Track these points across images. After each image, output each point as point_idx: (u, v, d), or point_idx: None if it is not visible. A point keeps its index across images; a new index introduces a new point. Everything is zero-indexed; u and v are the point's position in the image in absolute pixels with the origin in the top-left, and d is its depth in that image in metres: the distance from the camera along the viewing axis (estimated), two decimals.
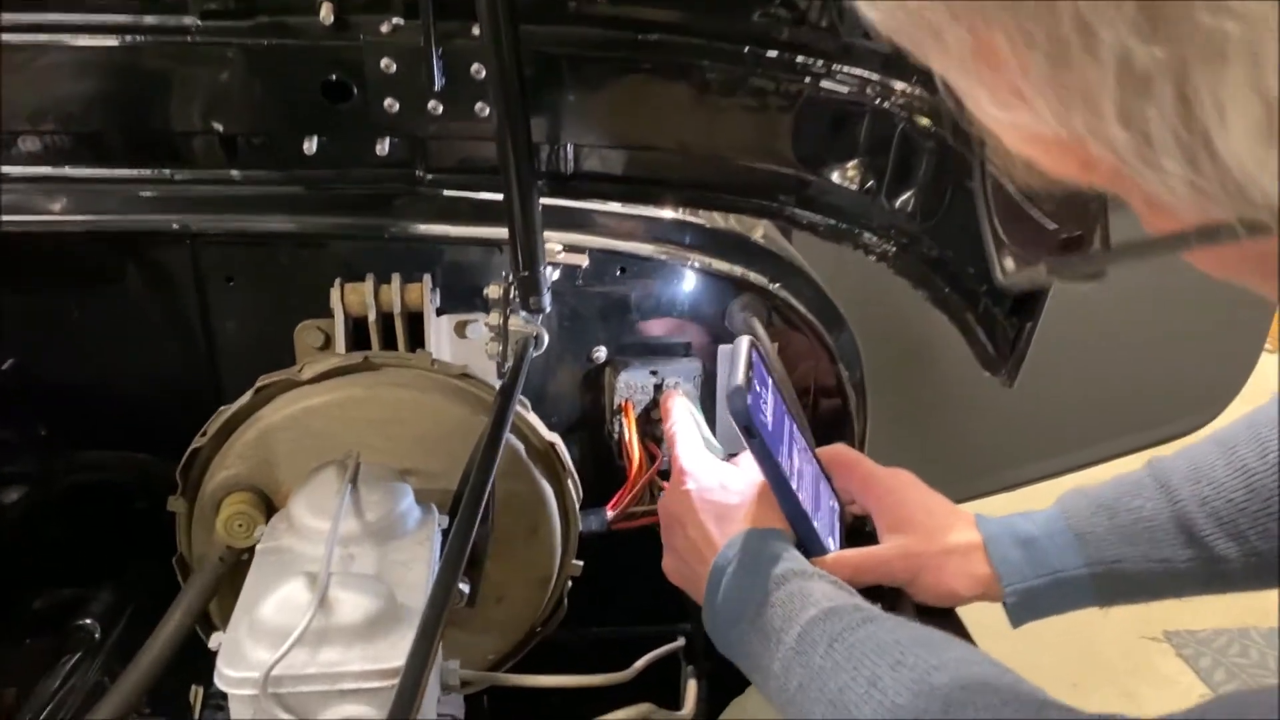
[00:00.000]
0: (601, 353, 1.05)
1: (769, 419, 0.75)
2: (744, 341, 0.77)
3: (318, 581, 0.62)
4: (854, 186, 0.90)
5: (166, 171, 0.94)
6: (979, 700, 0.53)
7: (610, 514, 0.98)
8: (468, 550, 0.61)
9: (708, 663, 0.95)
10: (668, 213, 1.03)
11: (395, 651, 0.62)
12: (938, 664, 0.56)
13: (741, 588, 0.70)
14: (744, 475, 0.80)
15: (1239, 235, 0.30)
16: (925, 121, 0.83)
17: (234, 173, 0.95)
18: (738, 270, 1.04)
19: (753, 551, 0.72)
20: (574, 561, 0.92)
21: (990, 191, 0.46)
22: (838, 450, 0.85)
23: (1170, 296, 1.00)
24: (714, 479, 0.80)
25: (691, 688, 0.81)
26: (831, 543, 0.80)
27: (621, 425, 1.05)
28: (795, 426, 0.82)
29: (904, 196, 0.89)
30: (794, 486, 0.76)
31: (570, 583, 0.94)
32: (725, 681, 0.95)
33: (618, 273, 1.03)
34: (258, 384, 0.83)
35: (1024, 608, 0.75)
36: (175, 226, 0.94)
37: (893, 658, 0.58)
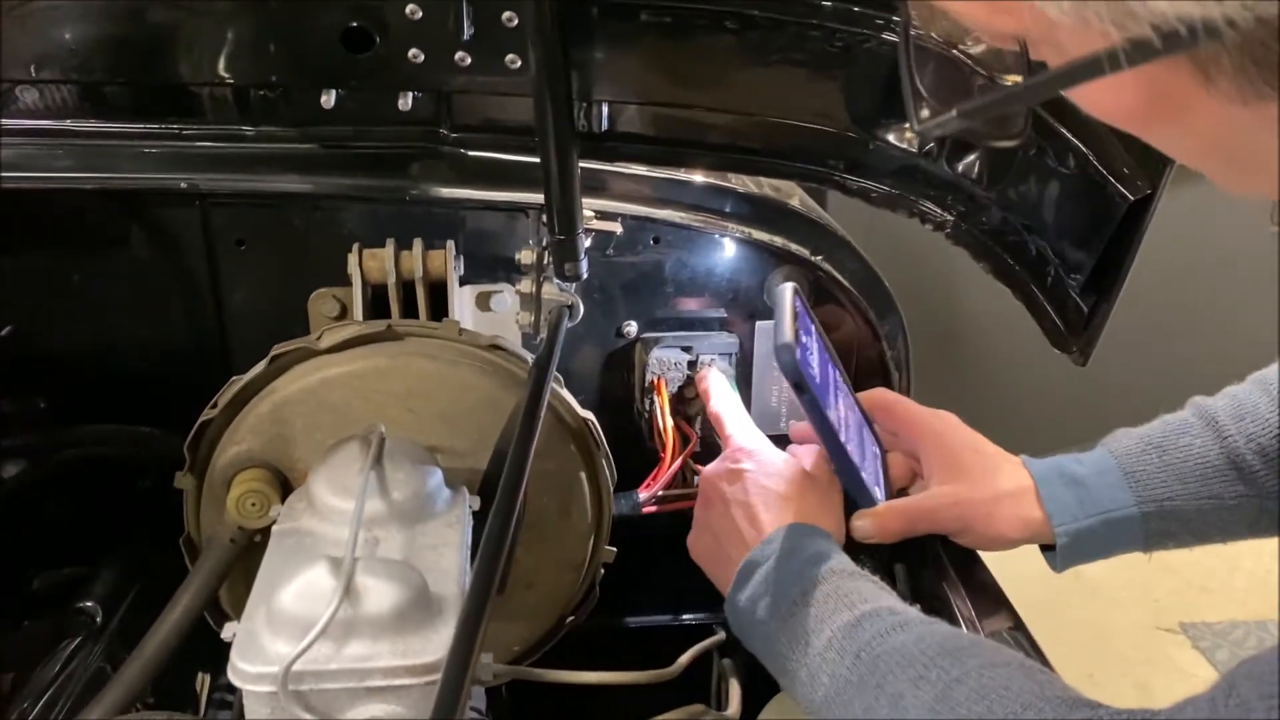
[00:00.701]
0: (632, 328, 1.00)
1: (816, 371, 0.74)
2: (787, 290, 0.76)
3: (342, 567, 0.56)
4: (912, 149, 0.84)
5: (174, 126, 0.89)
6: (998, 710, 0.51)
7: (642, 497, 0.93)
8: (510, 535, 0.55)
9: (742, 654, 0.90)
10: (705, 178, 0.98)
11: (428, 645, 0.56)
12: (959, 675, 0.54)
13: (777, 583, 0.67)
14: (797, 465, 0.78)
15: (1127, 61, 0.33)
16: None
17: (246, 128, 0.90)
18: (778, 240, 0.99)
19: (795, 547, 0.69)
20: (607, 547, 0.87)
21: (910, 43, 0.44)
22: (878, 393, 0.84)
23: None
24: (771, 464, 0.77)
25: (735, 688, 0.76)
26: (879, 492, 0.78)
27: (653, 404, 0.99)
28: (838, 373, 0.80)
29: (967, 160, 0.83)
30: (842, 439, 0.74)
31: (603, 570, 0.88)
32: (761, 673, 0.91)
33: (651, 242, 0.98)
34: (273, 353, 0.77)
35: (1073, 550, 0.74)
36: (183, 186, 0.89)
37: (915, 672, 0.55)
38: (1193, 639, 2.15)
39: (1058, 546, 0.75)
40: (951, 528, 0.77)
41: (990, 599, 0.80)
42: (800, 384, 0.70)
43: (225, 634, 0.57)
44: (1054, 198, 0.76)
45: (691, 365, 1.00)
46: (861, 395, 0.84)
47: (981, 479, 0.76)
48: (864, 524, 0.76)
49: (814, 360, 0.75)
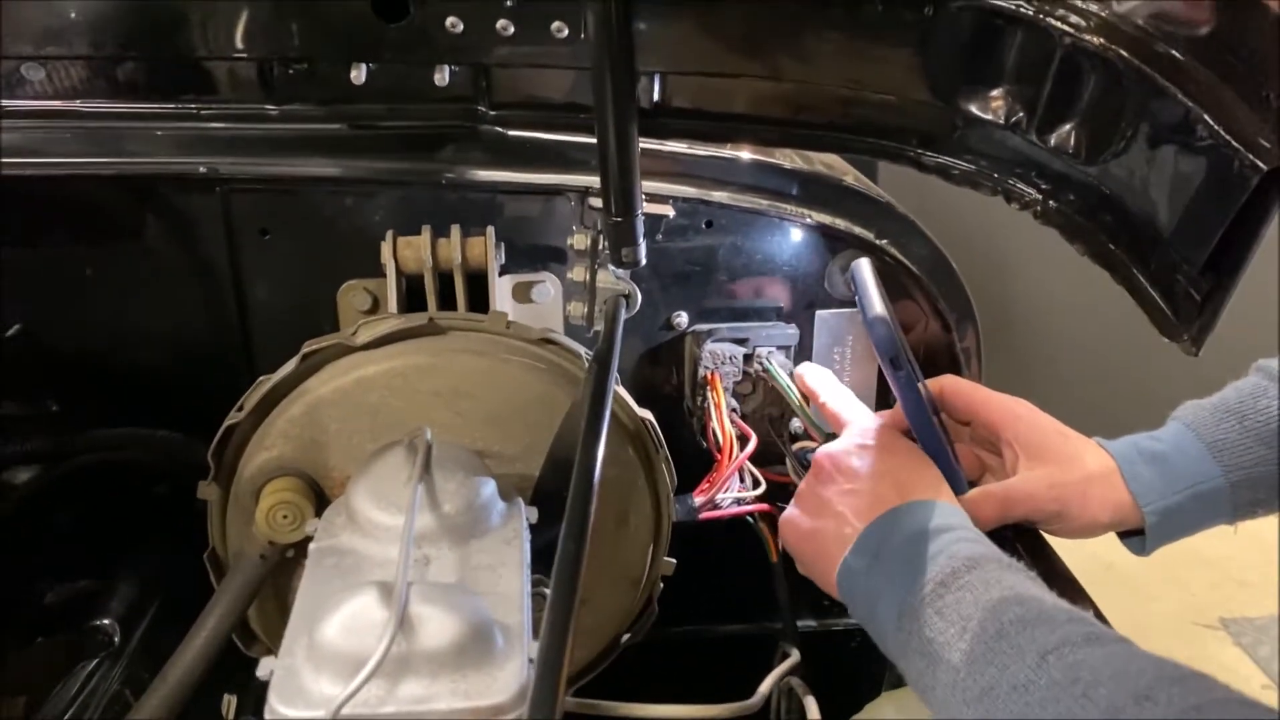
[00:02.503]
0: (682, 319, 0.94)
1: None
2: (865, 263, 0.74)
3: (394, 594, 0.49)
4: (998, 120, 0.77)
5: (192, 106, 0.83)
6: None
7: (698, 501, 0.86)
8: (584, 554, 0.48)
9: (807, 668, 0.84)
10: (761, 156, 0.91)
11: (493, 685, 0.49)
12: (1198, 704, 0.47)
13: (921, 555, 0.62)
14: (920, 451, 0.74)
15: None
16: (1097, 41, 0.69)
17: (269, 108, 0.84)
18: (840, 223, 0.92)
19: (943, 523, 0.64)
20: (666, 558, 0.80)
21: None
22: (950, 380, 0.80)
23: None
24: (904, 446, 0.73)
25: (812, 706, 0.69)
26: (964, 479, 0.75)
27: (706, 402, 0.92)
28: (910, 357, 0.77)
29: (1061, 132, 0.75)
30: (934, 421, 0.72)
31: (661, 584, 0.81)
32: (829, 692, 0.84)
33: (704, 226, 0.92)
34: (304, 350, 0.71)
35: (1162, 528, 0.72)
36: (202, 170, 0.84)
37: (1136, 689, 0.48)
38: (1234, 635, 2.09)
39: (1147, 526, 0.72)
40: (1048, 511, 0.73)
41: (1073, 592, 0.74)
42: (896, 359, 0.68)
43: (261, 671, 0.50)
44: (1168, 170, 0.68)
45: (747, 359, 0.94)
46: (930, 383, 0.79)
47: (1070, 462, 0.73)
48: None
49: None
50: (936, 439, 0.72)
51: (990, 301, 1.13)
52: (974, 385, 0.80)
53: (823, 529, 0.69)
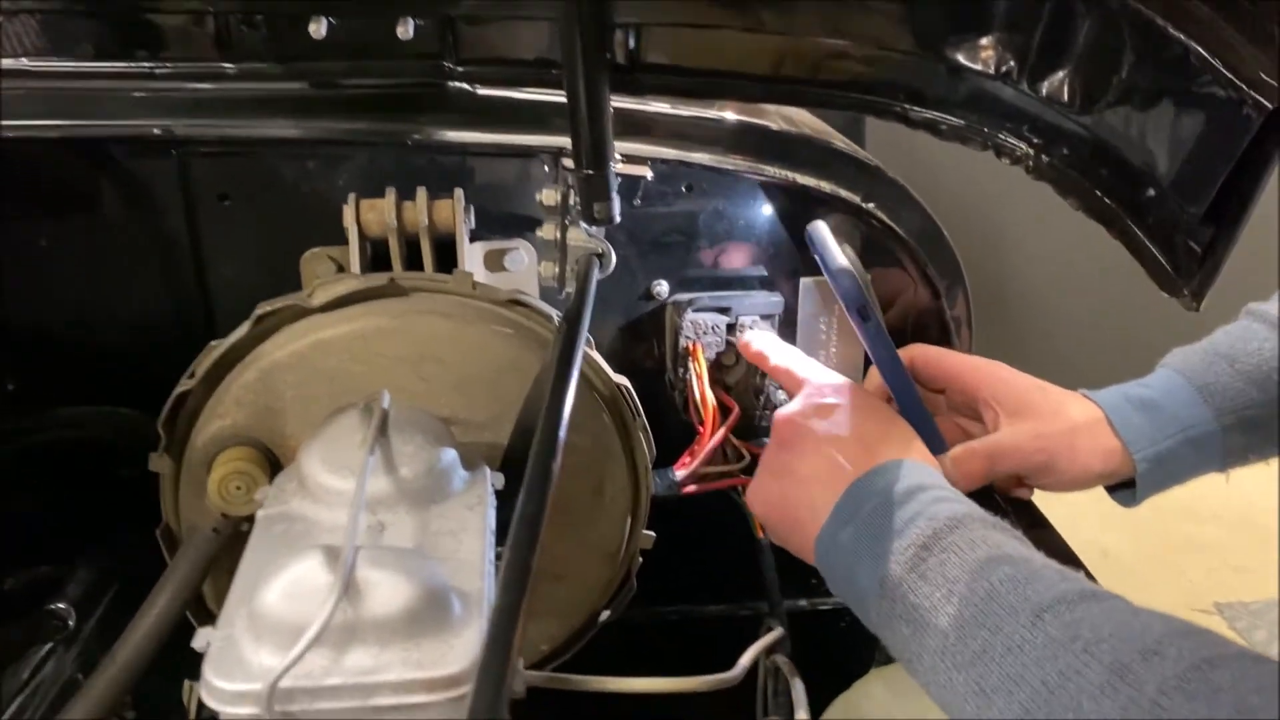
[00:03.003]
0: (662, 288, 0.91)
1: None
2: (821, 225, 0.75)
3: (341, 558, 0.45)
4: (988, 70, 0.73)
5: (145, 65, 0.78)
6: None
7: (679, 475, 0.83)
8: (545, 517, 0.45)
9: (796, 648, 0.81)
10: (743, 116, 0.88)
11: (448, 653, 0.46)
12: (1209, 657, 0.43)
13: (899, 519, 0.58)
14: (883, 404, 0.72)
15: None
16: None
17: (227, 66, 0.79)
18: (825, 185, 0.89)
19: (918, 483, 0.61)
20: (645, 531, 0.76)
21: None
22: (917, 349, 0.78)
23: None
24: (868, 398, 0.70)
25: (799, 690, 0.65)
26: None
27: (688, 373, 0.89)
28: (879, 313, 0.75)
29: (1053, 80, 0.71)
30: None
31: (639, 558, 0.77)
32: (819, 669, 0.81)
33: (683, 189, 0.88)
34: (257, 312, 0.67)
35: (1153, 476, 0.71)
36: (157, 132, 0.79)
37: (1143, 644, 0.45)
38: (1229, 619, 2.08)
39: (1138, 474, 0.70)
40: (1035, 463, 0.71)
41: (1064, 558, 0.71)
42: (864, 309, 0.67)
43: (197, 642, 0.47)
44: (1166, 117, 0.65)
45: (730, 329, 0.90)
46: (900, 353, 0.76)
47: (1054, 414, 0.71)
48: (942, 467, 0.68)
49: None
50: (912, 394, 0.70)
51: (981, 267, 1.11)
52: (943, 351, 0.77)
53: (791, 496, 0.66)
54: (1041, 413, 0.71)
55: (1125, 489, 0.73)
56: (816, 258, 0.80)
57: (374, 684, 0.45)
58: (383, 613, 0.46)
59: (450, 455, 0.59)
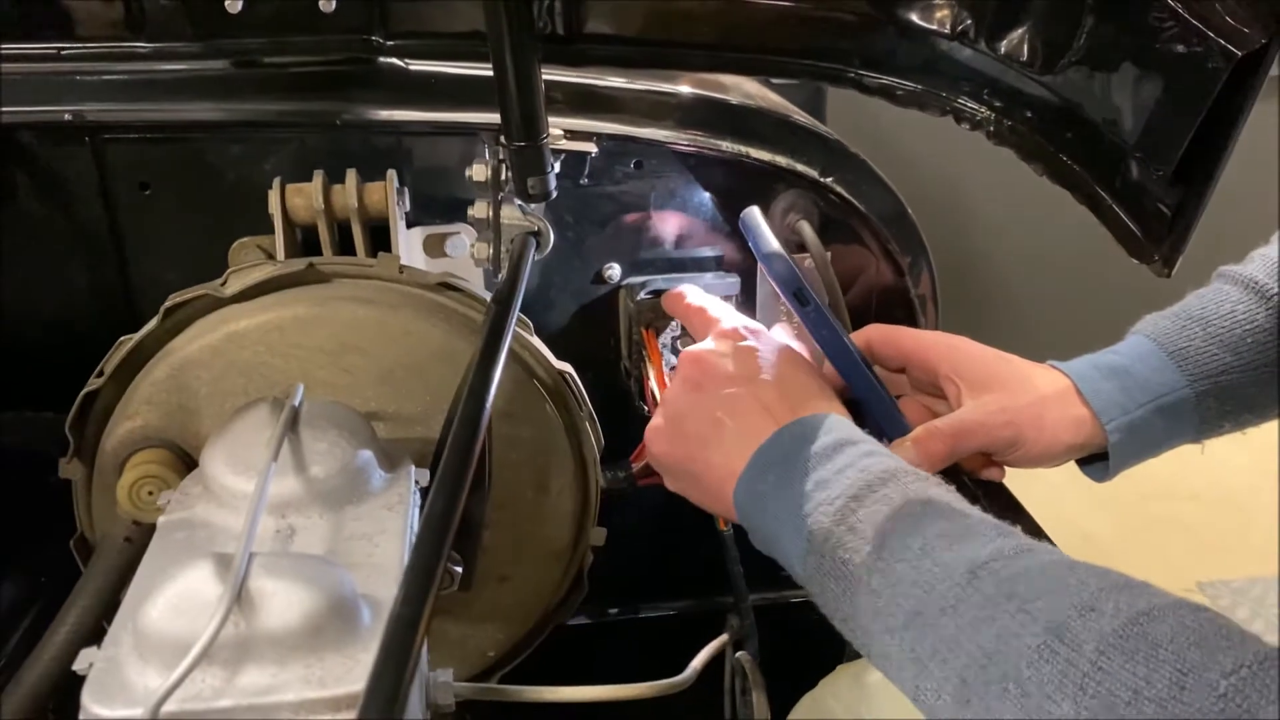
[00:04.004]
0: (614, 271, 0.87)
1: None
2: (754, 210, 0.73)
3: (232, 567, 0.41)
4: (943, 29, 0.69)
5: (53, 46, 0.75)
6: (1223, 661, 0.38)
7: (635, 468, 0.78)
8: (457, 515, 0.40)
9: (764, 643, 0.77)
10: (693, 89, 0.83)
11: (354, 669, 0.42)
12: (1146, 609, 0.41)
13: (829, 470, 0.55)
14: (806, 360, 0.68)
15: None
16: None
17: (140, 45, 0.76)
18: (781, 159, 0.85)
19: (848, 436, 0.57)
20: (595, 527, 0.72)
21: None
22: (872, 329, 0.74)
23: None
24: (785, 345, 0.67)
25: (760, 690, 0.61)
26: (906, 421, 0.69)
27: (643, 360, 0.85)
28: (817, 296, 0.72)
29: (1013, 38, 0.68)
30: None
31: (591, 556, 0.73)
32: (783, 665, 0.77)
33: (632, 167, 0.84)
34: (168, 303, 0.62)
35: (1126, 447, 0.67)
36: (68, 117, 0.75)
37: (1079, 600, 0.43)
38: (1211, 598, 2.07)
39: (1110, 445, 0.67)
40: (1002, 438, 0.67)
41: (1032, 532, 0.68)
42: (800, 292, 0.65)
43: (78, 664, 0.42)
44: (1131, 72, 0.61)
45: None
46: (855, 336, 0.73)
47: (1019, 385, 0.67)
48: (903, 451, 0.64)
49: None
50: (866, 377, 0.67)
51: (948, 243, 1.07)
52: (899, 328, 0.73)
53: (700, 438, 0.62)
54: (1006, 384, 0.68)
55: (1098, 463, 0.69)
56: (750, 244, 0.76)
57: (271, 704, 0.40)
58: (280, 626, 0.41)
59: (366, 454, 0.54)
